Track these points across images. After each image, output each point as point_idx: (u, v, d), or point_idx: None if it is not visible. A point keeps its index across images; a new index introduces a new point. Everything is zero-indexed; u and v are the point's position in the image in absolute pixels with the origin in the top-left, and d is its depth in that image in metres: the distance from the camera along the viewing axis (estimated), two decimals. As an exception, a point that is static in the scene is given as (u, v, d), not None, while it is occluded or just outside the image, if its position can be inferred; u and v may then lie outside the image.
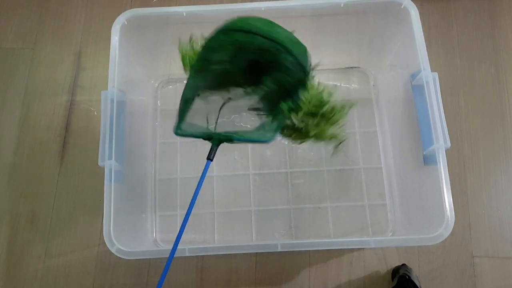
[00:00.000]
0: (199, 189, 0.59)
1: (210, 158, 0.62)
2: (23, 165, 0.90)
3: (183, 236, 0.83)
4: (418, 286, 0.73)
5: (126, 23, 0.71)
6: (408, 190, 0.78)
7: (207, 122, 0.70)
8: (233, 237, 0.83)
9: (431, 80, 0.65)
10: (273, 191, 0.85)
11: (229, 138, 0.63)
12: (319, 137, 0.66)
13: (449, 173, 0.61)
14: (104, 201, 0.63)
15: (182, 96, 0.67)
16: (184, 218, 0.58)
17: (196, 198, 0.59)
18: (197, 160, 0.87)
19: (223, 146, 0.68)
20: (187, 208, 0.84)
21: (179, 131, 0.66)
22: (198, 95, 0.67)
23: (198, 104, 0.68)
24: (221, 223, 0.84)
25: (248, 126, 0.84)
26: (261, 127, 0.66)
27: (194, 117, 0.68)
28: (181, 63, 0.93)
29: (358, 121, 0.89)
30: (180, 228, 0.58)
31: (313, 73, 0.64)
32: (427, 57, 0.66)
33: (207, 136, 0.64)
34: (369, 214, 0.83)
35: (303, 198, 0.84)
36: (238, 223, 0.84)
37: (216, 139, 0.63)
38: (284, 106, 0.62)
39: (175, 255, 0.62)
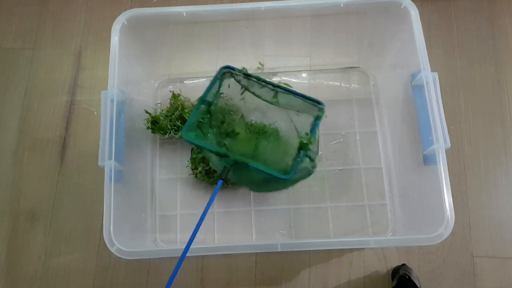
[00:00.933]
0: (208, 208, 0.60)
1: (222, 177, 0.62)
2: (23, 165, 0.90)
3: (183, 236, 0.84)
4: (418, 286, 0.73)
5: (126, 23, 0.71)
6: (408, 190, 0.78)
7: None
8: (233, 237, 0.83)
9: (431, 80, 0.65)
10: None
11: (244, 162, 0.63)
12: None
13: (449, 173, 0.61)
14: (104, 201, 0.63)
15: (200, 98, 0.69)
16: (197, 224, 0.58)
17: (204, 216, 0.59)
18: (197, 160, 0.87)
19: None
20: (187, 208, 0.85)
21: (185, 134, 0.66)
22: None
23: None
24: (221, 223, 0.84)
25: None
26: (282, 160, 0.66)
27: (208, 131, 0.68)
28: (180, 64, 0.93)
29: (358, 121, 0.88)
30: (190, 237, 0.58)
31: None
32: (427, 57, 0.66)
33: (223, 153, 0.64)
34: (369, 214, 0.83)
35: (303, 198, 0.84)
36: (238, 223, 0.84)
37: (231, 159, 0.63)
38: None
39: (174, 256, 0.62)
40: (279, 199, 0.84)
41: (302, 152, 0.64)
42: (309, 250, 0.83)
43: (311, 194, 0.85)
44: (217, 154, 0.65)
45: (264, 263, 0.83)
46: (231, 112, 0.70)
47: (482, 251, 0.82)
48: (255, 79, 0.70)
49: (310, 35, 0.86)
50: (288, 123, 0.68)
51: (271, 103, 0.69)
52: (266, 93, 0.71)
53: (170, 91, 0.90)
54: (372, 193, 0.84)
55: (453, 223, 0.59)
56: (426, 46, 0.66)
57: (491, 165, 0.87)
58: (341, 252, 0.83)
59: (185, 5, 0.73)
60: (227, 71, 0.72)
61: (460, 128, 0.90)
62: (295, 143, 0.66)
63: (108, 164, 0.64)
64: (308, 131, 0.66)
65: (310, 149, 0.64)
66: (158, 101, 0.90)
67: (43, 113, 0.93)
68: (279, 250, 0.61)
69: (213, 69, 0.92)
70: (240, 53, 0.90)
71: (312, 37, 0.87)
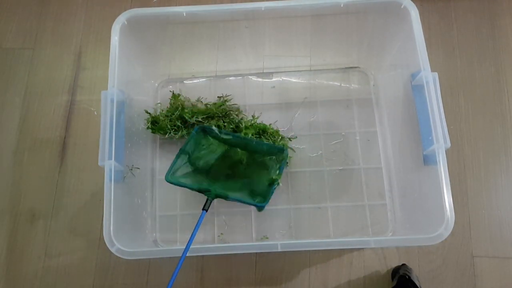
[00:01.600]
0: (194, 235, 0.63)
1: (205, 209, 0.68)
2: (23, 165, 0.90)
3: (183, 236, 0.84)
4: (418, 286, 0.73)
5: (126, 23, 0.71)
6: (408, 190, 0.78)
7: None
8: (233, 237, 0.83)
9: (431, 80, 0.65)
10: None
11: (224, 195, 0.72)
12: None
13: (449, 173, 0.61)
14: (104, 201, 0.63)
15: (180, 149, 0.78)
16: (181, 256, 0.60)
17: (192, 241, 0.62)
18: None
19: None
20: (187, 208, 0.85)
21: (169, 177, 0.74)
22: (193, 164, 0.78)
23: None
24: (221, 223, 0.84)
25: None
26: (252, 193, 0.76)
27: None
28: (180, 64, 0.93)
29: (358, 121, 0.89)
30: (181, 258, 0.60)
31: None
32: (427, 57, 0.66)
33: (204, 189, 0.72)
34: (369, 214, 0.83)
35: (303, 198, 0.84)
36: (238, 223, 0.84)
37: (213, 193, 0.71)
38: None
39: (174, 256, 0.62)
40: (279, 199, 0.84)
41: (274, 185, 0.75)
42: (309, 250, 0.83)
43: (311, 194, 0.85)
44: (199, 191, 0.73)
45: (264, 263, 0.83)
46: (210, 158, 0.79)
47: (482, 251, 0.82)
48: (227, 135, 0.80)
49: (310, 35, 0.86)
50: (258, 164, 0.79)
51: (243, 149, 0.80)
52: (239, 143, 0.80)
53: (170, 91, 0.90)
54: (372, 193, 0.84)
55: (453, 223, 0.59)
56: (426, 46, 0.66)
57: (491, 165, 0.87)
58: (341, 252, 0.83)
59: (185, 5, 0.73)
60: (202, 130, 0.81)
61: (460, 128, 0.90)
62: (265, 178, 0.77)
63: (108, 164, 0.64)
64: (277, 169, 0.77)
65: (279, 183, 0.77)
66: (158, 101, 0.91)
67: (43, 113, 0.93)
68: (279, 250, 0.61)
69: (213, 69, 0.93)
70: (240, 53, 0.90)
71: (312, 37, 0.87)
